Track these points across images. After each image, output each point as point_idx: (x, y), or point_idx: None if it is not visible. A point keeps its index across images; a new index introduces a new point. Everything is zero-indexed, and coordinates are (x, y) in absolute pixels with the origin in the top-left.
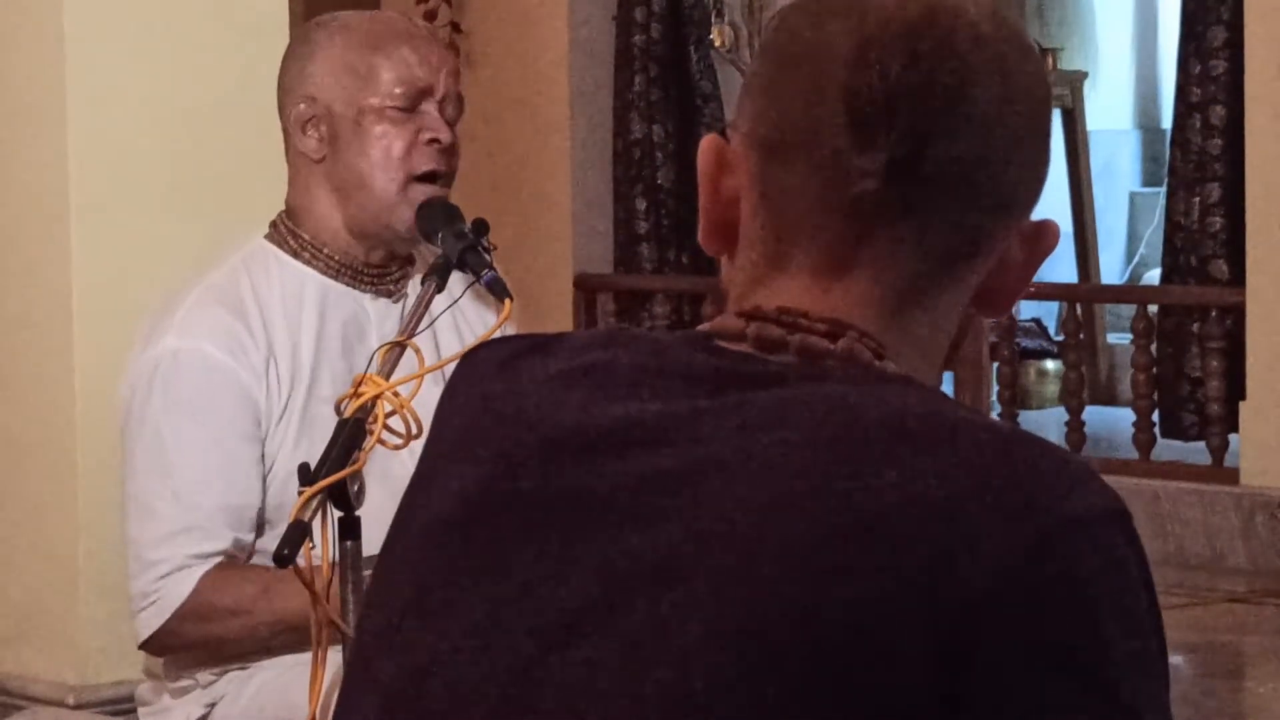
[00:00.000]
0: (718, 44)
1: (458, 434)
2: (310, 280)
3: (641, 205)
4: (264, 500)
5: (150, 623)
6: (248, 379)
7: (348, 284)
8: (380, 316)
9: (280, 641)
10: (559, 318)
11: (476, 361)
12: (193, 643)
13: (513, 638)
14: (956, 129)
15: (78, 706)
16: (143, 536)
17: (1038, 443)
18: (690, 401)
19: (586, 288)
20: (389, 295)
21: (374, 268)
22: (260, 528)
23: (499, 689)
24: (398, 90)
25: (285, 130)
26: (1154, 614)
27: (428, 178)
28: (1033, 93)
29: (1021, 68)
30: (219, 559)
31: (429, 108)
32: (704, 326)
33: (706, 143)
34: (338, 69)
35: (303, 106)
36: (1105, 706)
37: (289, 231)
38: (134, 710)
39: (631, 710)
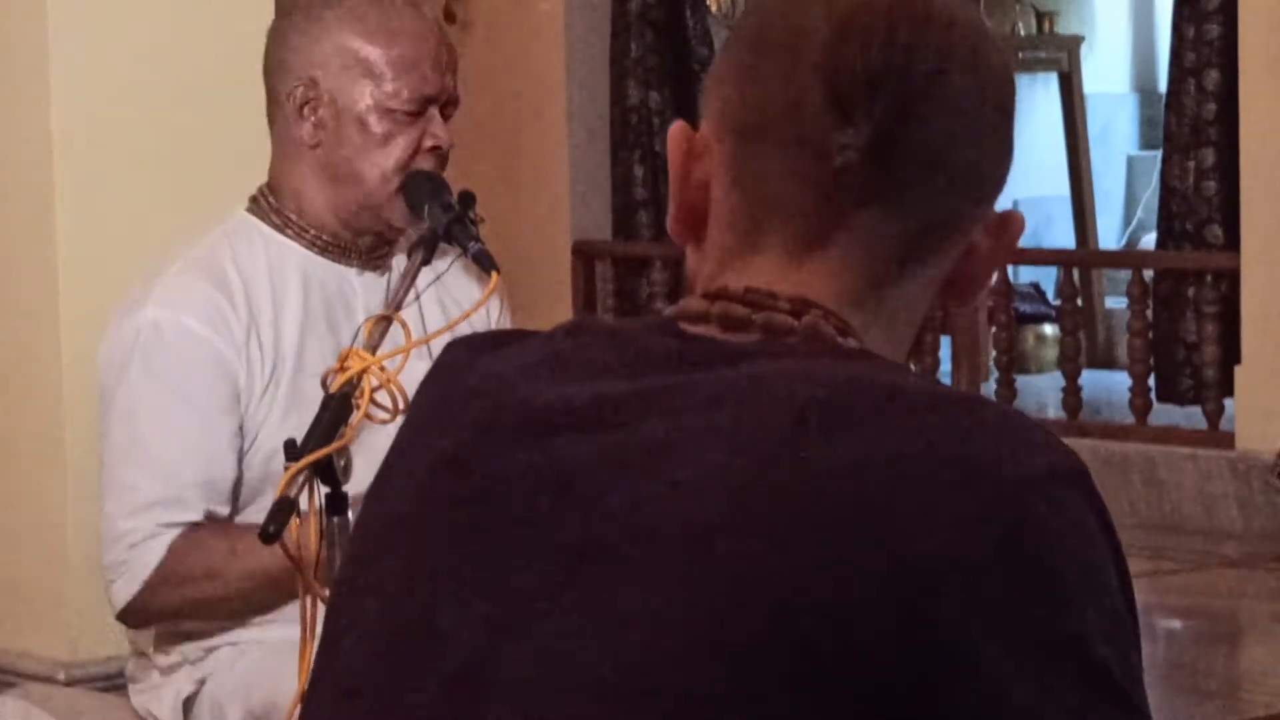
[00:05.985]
0: (714, 9)
1: (429, 414)
2: (294, 254)
3: (639, 172)
4: (247, 475)
5: (123, 593)
6: (227, 352)
7: (333, 258)
8: (366, 290)
9: (259, 599)
10: (558, 286)
11: (454, 349)
12: (169, 610)
13: (472, 617)
14: (934, 108)
15: (69, 683)
16: (117, 509)
17: (993, 406)
18: (645, 382)
19: (585, 255)
20: (375, 269)
21: (360, 245)
22: (242, 502)
23: (456, 671)
24: (407, 95)
25: (275, 105)
26: (1120, 572)
27: None
28: (1001, 83)
29: (989, 58)
30: (188, 527)
31: (433, 112)
32: (668, 311)
33: (675, 130)
34: (347, 60)
35: (301, 89)
36: (1073, 665)
37: (271, 208)
38: (125, 686)
39: (587, 692)
